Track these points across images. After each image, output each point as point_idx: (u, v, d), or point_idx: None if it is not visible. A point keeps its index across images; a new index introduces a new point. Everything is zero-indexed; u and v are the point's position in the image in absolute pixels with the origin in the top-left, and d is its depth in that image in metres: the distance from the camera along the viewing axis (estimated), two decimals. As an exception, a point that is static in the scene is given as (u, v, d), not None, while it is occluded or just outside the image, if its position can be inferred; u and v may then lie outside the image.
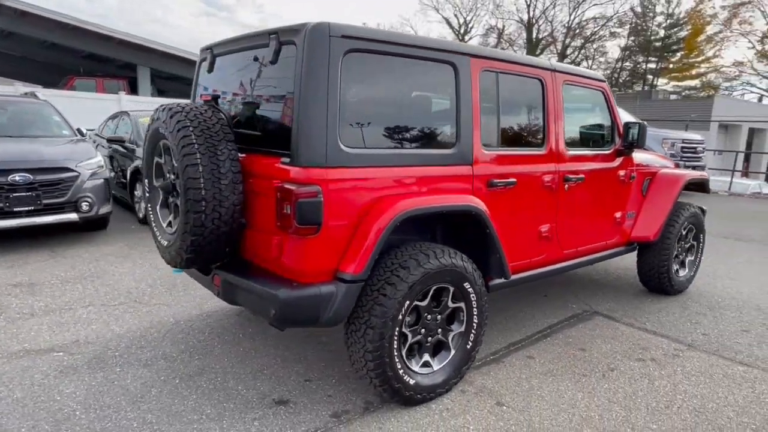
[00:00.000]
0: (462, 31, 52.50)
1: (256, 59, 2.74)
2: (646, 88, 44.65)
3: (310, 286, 2.38)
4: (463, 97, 2.84)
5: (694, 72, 42.12)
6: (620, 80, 48.94)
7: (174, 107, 2.58)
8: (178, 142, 2.47)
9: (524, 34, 49.57)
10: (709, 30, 38.05)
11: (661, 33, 46.80)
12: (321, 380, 2.99)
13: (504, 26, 50.33)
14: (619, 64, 48.97)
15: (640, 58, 48.32)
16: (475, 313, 2.85)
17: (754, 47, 37.03)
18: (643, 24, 47.26)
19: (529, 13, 46.74)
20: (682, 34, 45.17)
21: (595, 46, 48.17)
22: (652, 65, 48.28)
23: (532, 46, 47.48)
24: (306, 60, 2.34)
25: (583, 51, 47.43)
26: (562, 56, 46.43)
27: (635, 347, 3.55)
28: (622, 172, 4.04)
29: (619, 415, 2.71)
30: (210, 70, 3.14)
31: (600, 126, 4.00)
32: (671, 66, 46.88)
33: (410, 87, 2.81)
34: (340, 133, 2.39)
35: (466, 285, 2.77)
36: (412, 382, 2.64)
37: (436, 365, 2.78)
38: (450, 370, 2.82)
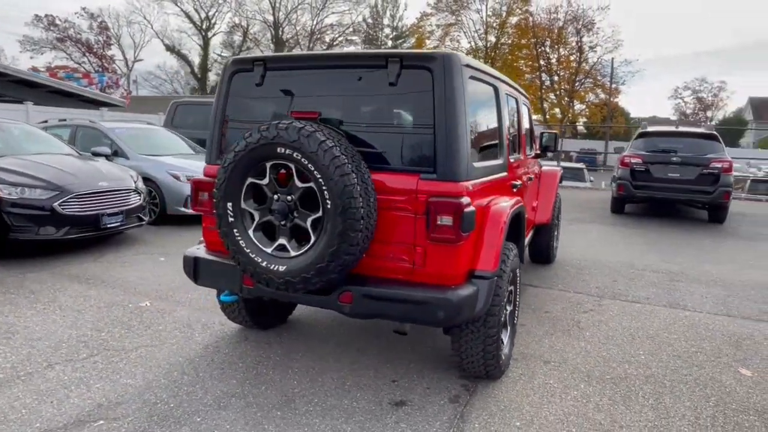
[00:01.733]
0: (204, 26, 50.48)
1: (359, 79, 2.81)
2: None
3: (463, 287, 2.67)
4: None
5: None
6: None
7: (305, 126, 2.50)
8: (329, 163, 2.44)
9: (269, 35, 50.40)
10: (429, 44, 44.91)
11: (390, 43, 53.15)
12: (405, 378, 3.21)
13: (249, 25, 50.23)
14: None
15: (375, 65, 53.92)
16: (518, 293, 3.49)
17: (461, 61, 45.11)
18: (374, 33, 52.89)
19: (274, 15, 47.72)
20: (406, 45, 52.05)
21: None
22: (384, 71, 54.45)
23: (279, 47, 48.66)
24: (447, 86, 2.60)
25: (325, 55, 50.50)
26: (307, 59, 48.82)
27: (572, 304, 4.68)
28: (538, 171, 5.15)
29: (615, 350, 3.71)
30: (260, 83, 3.00)
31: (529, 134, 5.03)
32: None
33: (493, 108, 3.29)
34: (470, 150, 2.73)
35: (518, 270, 3.39)
36: (503, 357, 3.14)
37: (507, 340, 3.32)
38: (512, 345, 3.40)
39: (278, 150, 2.54)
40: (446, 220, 2.56)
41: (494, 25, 43.75)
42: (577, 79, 43.88)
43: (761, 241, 8.04)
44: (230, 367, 3.28)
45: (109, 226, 5.79)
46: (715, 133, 9.03)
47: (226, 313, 3.73)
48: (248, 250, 2.70)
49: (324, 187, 2.48)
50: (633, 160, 8.77)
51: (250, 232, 2.73)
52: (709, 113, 67.42)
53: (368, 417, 2.78)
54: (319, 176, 2.48)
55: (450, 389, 3.10)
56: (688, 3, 77.80)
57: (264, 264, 2.67)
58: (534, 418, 2.83)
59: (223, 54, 48.90)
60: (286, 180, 2.64)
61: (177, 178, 7.27)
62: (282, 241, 2.68)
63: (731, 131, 47.02)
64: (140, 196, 6.30)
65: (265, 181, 2.67)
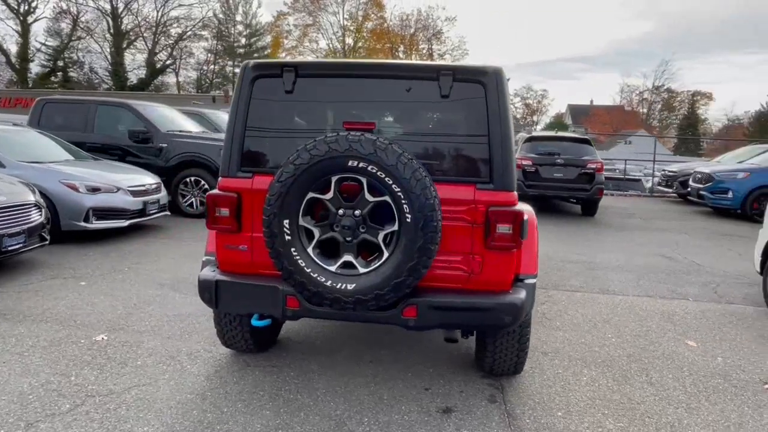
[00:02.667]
0: (22, 10, 43.83)
1: (408, 90, 2.77)
2: (223, 89, 48.12)
3: (517, 291, 2.80)
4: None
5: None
6: (212, 82, 51.13)
7: (379, 138, 2.42)
8: (410, 176, 2.40)
9: (105, 24, 45.44)
10: (287, 44, 44.33)
11: (243, 41, 51.31)
12: (435, 385, 3.25)
13: (79, 11, 44.73)
14: (207, 66, 51.07)
15: (229, 62, 51.70)
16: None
17: (320, 62, 45.28)
18: (226, 30, 50.65)
19: (112, 2, 43.08)
20: (261, 43, 50.72)
21: (182, 45, 48.41)
22: (238, 69, 52.55)
23: (118, 38, 44.18)
24: (500, 99, 2.71)
25: (173, 51, 47.00)
26: (152, 53, 45.10)
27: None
28: None
29: (589, 337, 4.16)
30: (291, 90, 2.81)
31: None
32: (257, 72, 52.03)
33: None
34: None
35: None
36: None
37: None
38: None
39: (350, 163, 2.43)
40: (505, 228, 2.67)
41: (351, 28, 44.70)
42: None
43: (630, 230, 9.45)
44: (252, 398, 3.02)
45: (9, 248, 4.86)
46: (588, 137, 10.37)
47: (224, 338, 3.41)
48: (308, 270, 2.53)
49: (404, 201, 2.43)
50: (524, 162, 9.70)
51: (309, 250, 2.56)
52: (535, 117, 76.46)
53: (429, 428, 2.78)
54: (397, 190, 2.42)
55: (482, 390, 3.21)
56: (513, 21, 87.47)
57: (328, 283, 2.53)
58: (568, 406, 3.07)
59: (47, 42, 42.88)
60: (354, 194, 2.53)
61: (74, 188, 6.32)
62: (348, 258, 2.56)
63: (556, 134, 53.88)
64: (41, 211, 5.38)
65: (329, 195, 2.53)
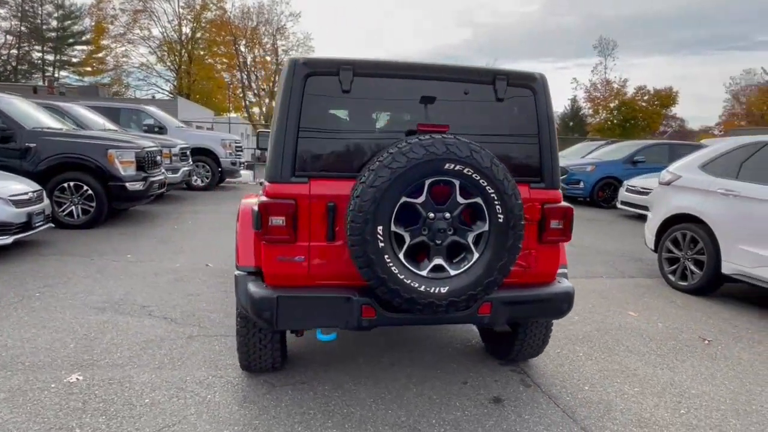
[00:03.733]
0: None
1: (466, 93, 2.80)
2: (47, 79, 42.09)
3: (562, 281, 3.03)
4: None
5: (101, 67, 43.03)
6: (16, 69, 43.93)
7: (471, 141, 2.43)
8: (503, 178, 2.47)
9: None
10: (113, 30, 39.81)
11: (54, 23, 44.91)
12: (470, 378, 3.36)
13: None
14: (7, 51, 43.76)
15: (36, 47, 44.82)
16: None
17: (154, 53, 41.63)
18: (31, 9, 43.89)
19: None
20: (78, 27, 44.90)
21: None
22: (50, 56, 45.90)
23: None
24: (548, 103, 2.90)
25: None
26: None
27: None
28: None
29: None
30: (348, 90, 2.67)
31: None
32: (75, 60, 46.00)
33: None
34: (553, 161, 3.08)
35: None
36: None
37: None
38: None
39: (446, 166, 2.41)
40: (558, 223, 2.88)
41: (188, 17, 41.77)
42: (275, 80, 45.89)
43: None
44: (307, 418, 2.82)
45: None
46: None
47: (249, 359, 3.11)
48: (402, 276, 2.46)
49: (496, 202, 2.49)
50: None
51: (401, 256, 2.48)
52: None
53: (495, 419, 2.89)
54: (491, 191, 2.47)
55: (510, 377, 3.41)
56: (351, 22, 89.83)
57: (422, 288, 2.48)
58: (588, 380, 3.42)
59: None
60: (442, 197, 2.51)
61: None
62: (438, 261, 2.53)
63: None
64: None
65: (421, 199, 2.47)
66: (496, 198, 2.48)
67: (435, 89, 2.80)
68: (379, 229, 2.41)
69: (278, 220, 2.60)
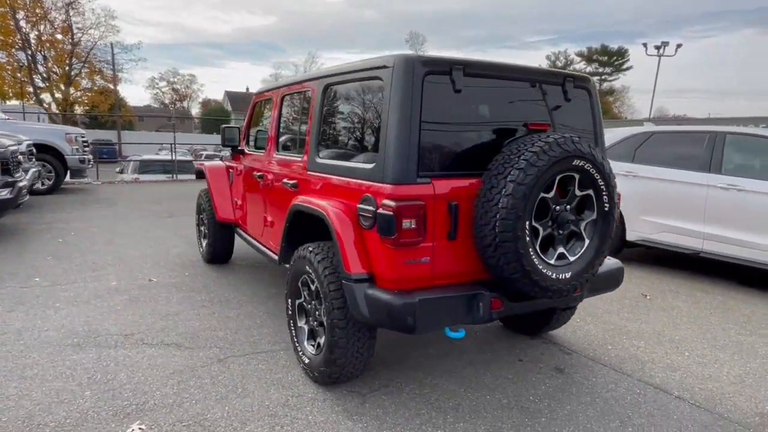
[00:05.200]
0: None
1: (545, 93, 3.01)
2: None
3: (609, 258, 3.46)
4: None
5: None
6: None
7: (579, 139, 2.67)
8: (609, 171, 2.76)
9: None
10: None
11: None
12: (521, 355, 3.64)
13: None
14: None
15: None
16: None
17: None
18: None
19: None
20: None
21: None
22: None
23: None
24: (598, 103, 3.28)
25: None
26: None
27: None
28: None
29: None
30: (460, 90, 2.70)
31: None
32: None
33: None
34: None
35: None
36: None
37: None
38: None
39: (574, 162, 2.62)
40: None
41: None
42: (72, 63, 39.84)
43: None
44: (436, 419, 2.82)
45: None
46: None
47: (341, 372, 2.95)
48: (540, 267, 2.62)
49: (604, 193, 2.78)
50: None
51: (538, 248, 2.63)
52: (185, 103, 74.22)
53: (577, 386, 3.22)
54: (602, 183, 2.75)
55: (548, 348, 3.79)
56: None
57: (554, 276, 2.67)
58: (602, 340, 3.96)
59: None
60: (564, 190, 2.71)
61: None
62: (561, 249, 2.74)
63: (219, 121, 53.99)
64: None
65: (551, 194, 2.64)
66: (604, 189, 2.78)
67: (520, 90, 2.97)
68: (527, 224, 2.53)
69: (410, 223, 2.54)
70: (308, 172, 3.36)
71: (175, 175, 14.43)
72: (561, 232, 2.74)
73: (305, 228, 3.32)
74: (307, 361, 3.14)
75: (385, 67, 2.68)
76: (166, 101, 73.59)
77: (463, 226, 2.69)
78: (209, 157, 22.50)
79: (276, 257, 3.97)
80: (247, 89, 65.09)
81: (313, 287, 3.09)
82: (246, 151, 4.76)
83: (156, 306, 4.38)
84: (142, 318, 4.10)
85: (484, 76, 2.82)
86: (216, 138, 42.55)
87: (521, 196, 2.48)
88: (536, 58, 78.94)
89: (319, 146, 3.30)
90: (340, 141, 3.20)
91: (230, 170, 5.32)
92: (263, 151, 4.29)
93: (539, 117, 2.99)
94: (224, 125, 4.78)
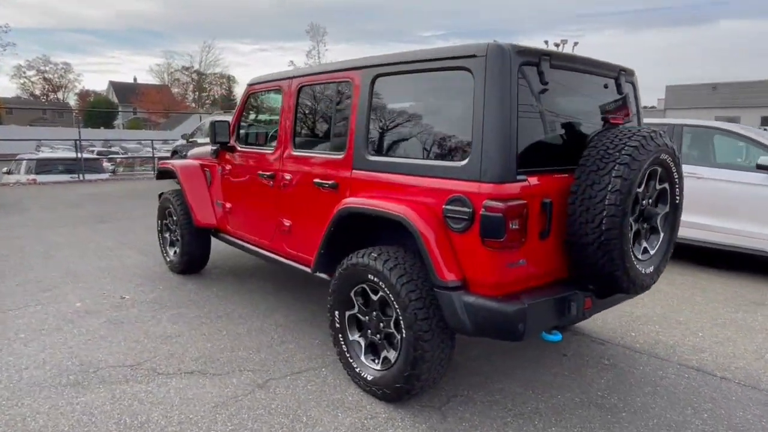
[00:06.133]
0: None
1: (606, 86, 2.97)
2: None
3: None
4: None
5: None
6: None
7: (659, 132, 2.66)
8: (680, 164, 2.79)
9: None
10: None
11: None
12: (561, 348, 3.64)
13: None
14: None
15: None
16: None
17: None
18: None
19: None
20: None
21: None
22: None
23: None
24: (639, 95, 3.32)
25: None
26: None
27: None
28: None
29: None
30: (546, 81, 2.58)
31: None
32: None
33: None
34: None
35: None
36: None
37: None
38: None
39: (661, 156, 2.60)
40: None
41: None
42: None
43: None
44: (525, 427, 2.70)
45: None
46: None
47: (421, 383, 2.72)
48: (636, 263, 2.58)
49: (677, 186, 2.81)
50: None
51: (630, 244, 2.59)
52: (60, 94, 67.33)
53: (633, 375, 3.26)
54: (676, 177, 2.78)
55: (584, 340, 3.82)
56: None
57: (644, 271, 2.65)
58: (622, 328, 4.08)
59: None
60: (647, 184, 2.68)
61: None
62: (644, 243, 2.72)
63: (103, 114, 49.54)
64: None
65: (641, 188, 2.60)
66: (677, 182, 2.80)
67: (588, 82, 2.92)
68: (630, 220, 2.48)
69: (514, 224, 2.38)
70: (355, 171, 3.06)
71: (81, 176, 12.90)
72: (645, 226, 2.73)
73: (350, 232, 3.05)
74: (369, 378, 2.88)
75: (474, 56, 2.48)
76: (37, 92, 66.15)
77: (555, 225, 2.59)
78: (102, 154, 20.46)
79: (298, 265, 3.61)
80: (135, 79, 60.32)
81: (375, 297, 2.83)
82: (238, 148, 4.28)
83: (147, 328, 3.81)
84: (139, 343, 3.54)
85: (562, 68, 2.72)
86: (102, 132, 38.93)
87: (627, 191, 2.42)
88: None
89: (369, 143, 3.01)
90: (403, 137, 2.93)
91: (207, 169, 4.78)
92: (270, 147, 3.87)
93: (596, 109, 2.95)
94: (214, 119, 4.25)
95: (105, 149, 24.47)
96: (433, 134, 2.77)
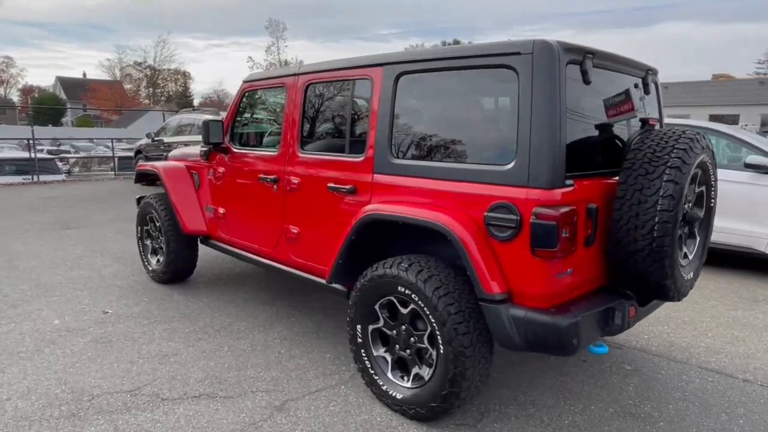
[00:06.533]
0: None
1: (636, 86, 2.87)
2: None
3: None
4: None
5: None
6: None
7: (702, 134, 2.58)
8: (715, 167, 2.72)
9: None
10: None
11: None
12: (581, 356, 3.55)
13: None
14: None
15: None
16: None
17: None
18: None
19: None
20: None
21: None
22: None
23: None
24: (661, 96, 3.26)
25: None
26: None
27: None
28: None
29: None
30: (588, 81, 2.45)
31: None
32: None
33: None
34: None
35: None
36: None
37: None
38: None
39: (702, 158, 2.52)
40: None
41: None
42: None
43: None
44: (557, 444, 2.57)
45: None
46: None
47: (464, 397, 2.55)
48: (681, 268, 2.49)
49: (712, 189, 2.74)
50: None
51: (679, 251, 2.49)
52: (1, 90, 63.97)
53: (660, 382, 3.20)
54: (712, 179, 2.71)
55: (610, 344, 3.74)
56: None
57: (686, 276, 2.57)
58: (633, 329, 4.03)
59: None
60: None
61: None
62: (685, 249, 2.64)
63: (51, 111, 47.16)
64: None
65: (687, 190, 2.51)
66: (713, 185, 2.74)
67: (619, 81, 2.82)
68: (679, 225, 2.38)
69: (566, 232, 2.25)
70: (376, 175, 2.86)
71: (36, 177, 12.09)
72: (686, 231, 2.64)
73: (368, 240, 2.87)
74: (399, 396, 2.69)
75: (518, 53, 2.32)
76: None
77: (600, 232, 2.47)
78: (52, 153, 19.35)
79: (307, 275, 3.38)
80: (84, 75, 57.62)
81: (405, 310, 2.65)
82: (233, 149, 4.00)
83: (139, 346, 3.50)
84: (134, 364, 3.24)
85: (602, 67, 2.60)
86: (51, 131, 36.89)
87: (679, 196, 2.32)
88: (394, 50, 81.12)
89: (393, 145, 2.82)
90: (433, 139, 2.75)
91: (194, 172, 4.47)
92: (273, 149, 3.62)
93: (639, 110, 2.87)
94: (208, 119, 3.95)
95: (54, 148, 23.19)
96: (469, 136, 2.60)
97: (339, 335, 3.72)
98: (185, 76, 69.20)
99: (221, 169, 4.11)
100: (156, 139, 11.08)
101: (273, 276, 4.98)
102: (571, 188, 2.29)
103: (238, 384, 3.03)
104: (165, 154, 6.32)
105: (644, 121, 2.66)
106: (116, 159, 14.71)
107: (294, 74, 3.47)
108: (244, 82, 3.96)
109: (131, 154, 13.78)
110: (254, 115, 4.14)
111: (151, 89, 65.71)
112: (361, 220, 2.79)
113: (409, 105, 2.82)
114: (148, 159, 11.47)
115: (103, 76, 60.46)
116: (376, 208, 2.75)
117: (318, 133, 3.41)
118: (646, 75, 2.98)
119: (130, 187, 11.66)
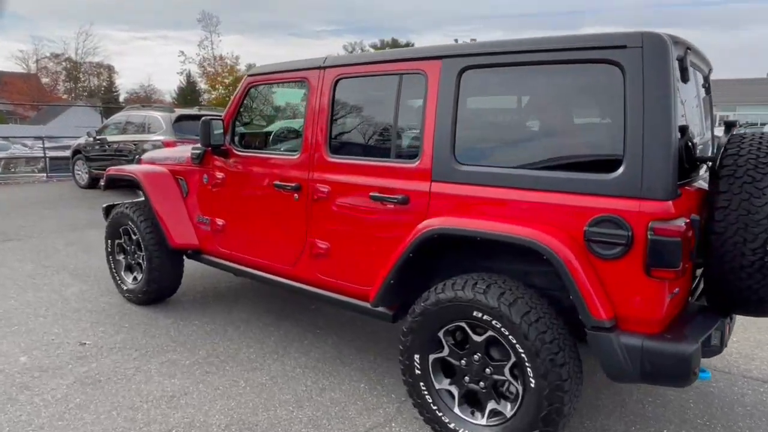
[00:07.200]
0: None
1: (704, 85, 2.69)
2: None
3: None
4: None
5: None
6: None
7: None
8: None
9: None
10: None
11: None
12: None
13: None
14: None
15: None
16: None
17: None
18: None
19: None
20: None
21: None
22: None
23: None
24: (710, 94, 3.11)
25: None
26: None
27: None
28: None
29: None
30: (686, 78, 2.23)
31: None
32: None
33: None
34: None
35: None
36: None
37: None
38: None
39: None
40: None
41: None
42: None
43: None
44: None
45: None
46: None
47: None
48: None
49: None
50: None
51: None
52: None
53: (713, 393, 3.06)
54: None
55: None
56: None
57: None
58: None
59: None
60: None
61: None
62: (770, 259, 2.47)
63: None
64: None
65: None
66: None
67: (699, 80, 2.63)
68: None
69: (687, 248, 2.01)
70: (436, 183, 2.51)
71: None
72: (770, 239, 2.48)
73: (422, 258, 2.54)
74: (472, 434, 2.37)
75: (624, 47, 2.05)
76: None
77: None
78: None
79: (339, 296, 2.98)
80: (-4, 68, 52.67)
81: (479, 338, 2.33)
82: (235, 152, 3.50)
83: (136, 386, 2.96)
84: (137, 411, 2.71)
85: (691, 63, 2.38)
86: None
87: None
88: (331, 48, 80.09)
89: (458, 149, 2.47)
90: (510, 143, 2.43)
91: (181, 177, 3.92)
92: (292, 152, 3.17)
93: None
94: (206, 118, 3.42)
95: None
96: (558, 140, 2.31)
97: (364, 359, 3.34)
98: (110, 70, 65.16)
99: (220, 175, 3.59)
100: (98, 138, 10.07)
101: (265, 290, 4.50)
102: (680, 200, 2.05)
103: (272, 429, 2.59)
104: (138, 156, 5.45)
105: (729, 124, 2.47)
106: (47, 159, 13.33)
107: (319, 67, 3.03)
108: (248, 75, 3.47)
109: (66, 153, 12.53)
110: (262, 114, 3.66)
111: (71, 83, 61.37)
112: (422, 235, 2.43)
113: (475, 104, 2.49)
114: (89, 160, 10.42)
115: (16, 68, 55.73)
116: (444, 221, 2.40)
117: (351, 134, 3.01)
118: (708, 72, 2.82)
119: (69, 190, 10.59)
